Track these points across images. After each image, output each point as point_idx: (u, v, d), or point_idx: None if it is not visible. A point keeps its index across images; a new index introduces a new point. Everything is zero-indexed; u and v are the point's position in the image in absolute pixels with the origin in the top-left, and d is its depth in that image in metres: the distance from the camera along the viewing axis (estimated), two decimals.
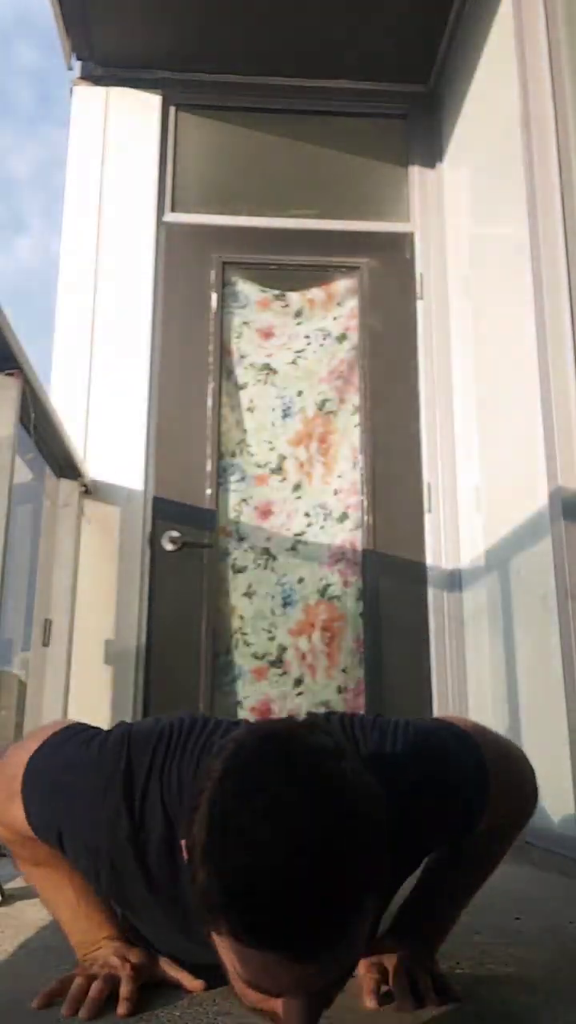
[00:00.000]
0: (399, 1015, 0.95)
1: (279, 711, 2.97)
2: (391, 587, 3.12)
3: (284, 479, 3.23)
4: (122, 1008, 0.96)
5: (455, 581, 3.07)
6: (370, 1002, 0.97)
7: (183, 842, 0.81)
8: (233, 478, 3.21)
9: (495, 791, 1.01)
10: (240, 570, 3.13)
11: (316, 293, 3.42)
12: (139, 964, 1.04)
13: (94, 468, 3.00)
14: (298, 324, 3.39)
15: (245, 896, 0.70)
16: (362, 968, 1.03)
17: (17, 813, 1.02)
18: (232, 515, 3.18)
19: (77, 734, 1.04)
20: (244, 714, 3.00)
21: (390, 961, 1.03)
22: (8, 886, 1.72)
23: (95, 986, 0.99)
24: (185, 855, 0.80)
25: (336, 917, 0.71)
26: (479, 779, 1.01)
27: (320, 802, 0.73)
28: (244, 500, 3.20)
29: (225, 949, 0.77)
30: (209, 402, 3.23)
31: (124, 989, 0.99)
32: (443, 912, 1.12)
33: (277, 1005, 0.77)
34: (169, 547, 3.09)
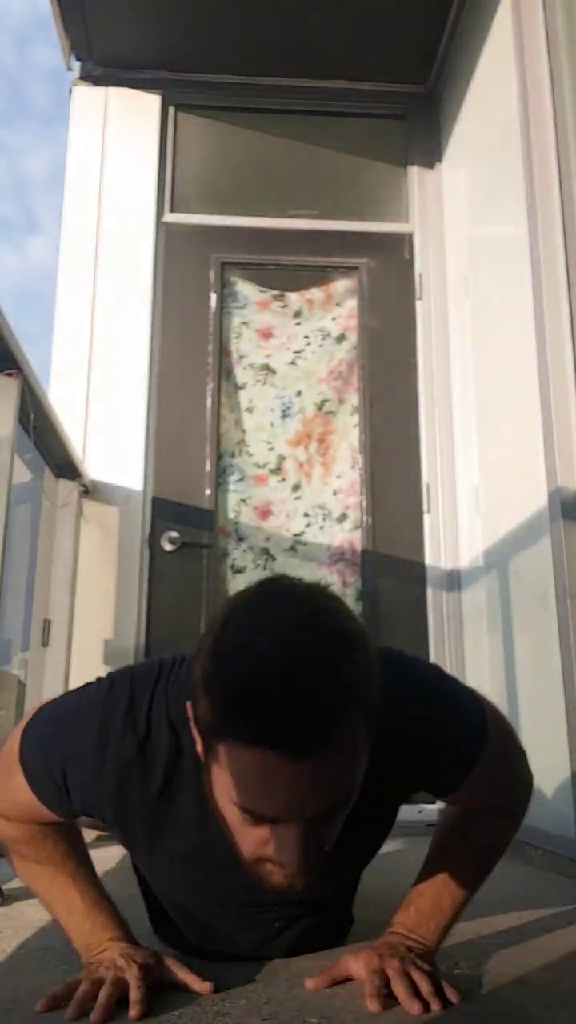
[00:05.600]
0: (399, 1016, 0.95)
1: None
2: (390, 587, 3.12)
3: (283, 479, 3.23)
4: (133, 1011, 0.94)
5: (454, 581, 3.07)
6: (373, 1005, 0.97)
7: (188, 704, 0.85)
8: (232, 478, 3.21)
9: (488, 758, 1.03)
10: (239, 570, 3.13)
11: (315, 293, 3.42)
12: (147, 966, 1.02)
13: (93, 468, 3.00)
14: (297, 324, 3.39)
15: (244, 696, 0.77)
16: (364, 970, 1.03)
17: (19, 783, 1.01)
18: (231, 515, 3.18)
19: (69, 692, 1.06)
20: None
21: (391, 964, 1.02)
22: (8, 886, 1.72)
23: (104, 990, 0.97)
24: (190, 712, 0.85)
25: (326, 716, 0.77)
26: (476, 734, 1.03)
27: (316, 625, 0.80)
28: (243, 500, 3.20)
29: (224, 783, 0.82)
30: (208, 402, 3.23)
31: (134, 992, 0.97)
32: (442, 913, 1.11)
33: (275, 845, 0.83)
34: (168, 547, 3.08)
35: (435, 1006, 0.96)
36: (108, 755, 0.95)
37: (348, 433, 3.28)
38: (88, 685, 1.03)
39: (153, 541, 3.09)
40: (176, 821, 1.00)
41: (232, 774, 0.80)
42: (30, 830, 1.08)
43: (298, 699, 0.76)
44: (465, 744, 1.03)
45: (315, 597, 0.84)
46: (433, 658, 3.04)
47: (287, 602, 0.83)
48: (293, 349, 3.36)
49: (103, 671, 1.06)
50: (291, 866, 0.83)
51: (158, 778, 0.96)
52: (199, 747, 0.86)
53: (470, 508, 2.93)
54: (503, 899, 1.68)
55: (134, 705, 0.97)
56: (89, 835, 2.78)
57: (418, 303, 3.39)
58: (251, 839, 0.85)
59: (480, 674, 2.79)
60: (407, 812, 3.38)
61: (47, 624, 2.71)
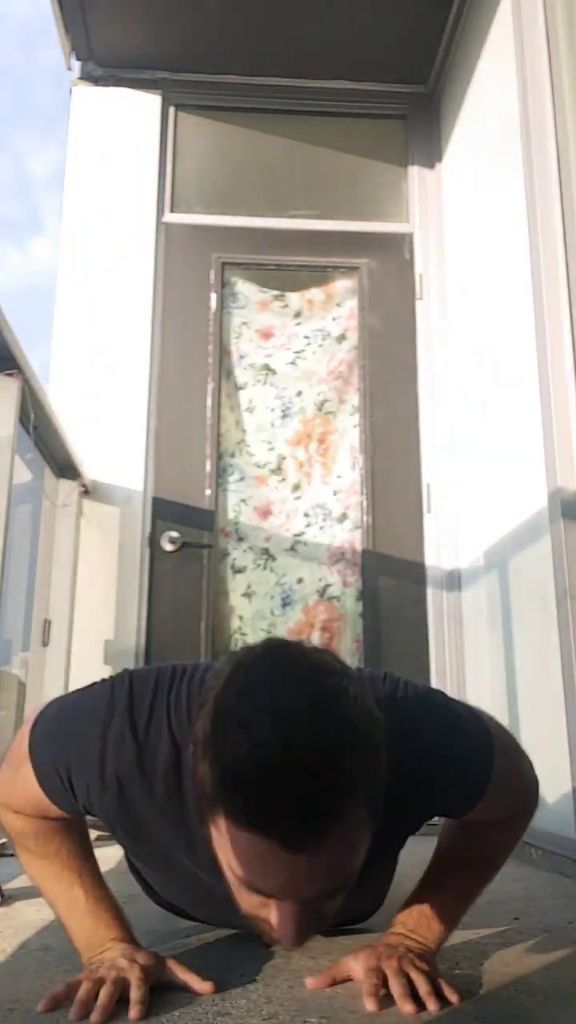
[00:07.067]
0: (399, 1016, 0.95)
1: None
2: (390, 587, 3.12)
3: (283, 479, 3.23)
4: (134, 1012, 0.94)
5: (454, 581, 3.07)
6: (370, 1004, 0.97)
7: (191, 743, 0.84)
8: (232, 478, 3.21)
9: (498, 776, 1.02)
10: (239, 570, 3.13)
11: (315, 293, 3.42)
12: (148, 966, 1.02)
13: (93, 468, 3.00)
14: (297, 324, 3.39)
15: (240, 778, 0.75)
16: (362, 970, 1.03)
17: (27, 777, 1.02)
18: (231, 515, 3.18)
19: (75, 690, 1.06)
20: None
21: (389, 964, 1.02)
22: (8, 886, 1.72)
23: (105, 990, 0.96)
24: (193, 766, 0.83)
25: (324, 808, 0.75)
26: (485, 763, 1.02)
27: (320, 708, 0.77)
28: (243, 500, 3.20)
29: (223, 847, 0.81)
30: (208, 402, 3.23)
31: (135, 993, 0.96)
32: (444, 914, 1.11)
33: (272, 912, 0.82)
34: (168, 547, 3.09)
35: (432, 1006, 0.96)
36: (108, 758, 0.95)
37: (348, 433, 3.28)
38: (93, 686, 1.03)
39: (153, 541, 3.09)
40: (178, 841, 0.99)
41: (229, 847, 0.79)
42: (38, 825, 1.08)
43: (296, 792, 0.74)
44: (475, 775, 1.02)
45: (324, 673, 0.81)
46: (433, 658, 3.05)
47: (292, 677, 0.80)
48: (293, 349, 3.36)
49: (103, 671, 1.06)
50: (286, 939, 0.83)
51: (160, 789, 0.96)
52: (204, 811, 0.84)
53: (470, 508, 2.93)
54: (503, 899, 1.68)
55: (133, 709, 0.97)
56: (91, 835, 2.78)
57: (418, 303, 3.39)
58: (248, 901, 0.84)
59: (480, 674, 2.80)
60: None
61: (47, 624, 2.71)
